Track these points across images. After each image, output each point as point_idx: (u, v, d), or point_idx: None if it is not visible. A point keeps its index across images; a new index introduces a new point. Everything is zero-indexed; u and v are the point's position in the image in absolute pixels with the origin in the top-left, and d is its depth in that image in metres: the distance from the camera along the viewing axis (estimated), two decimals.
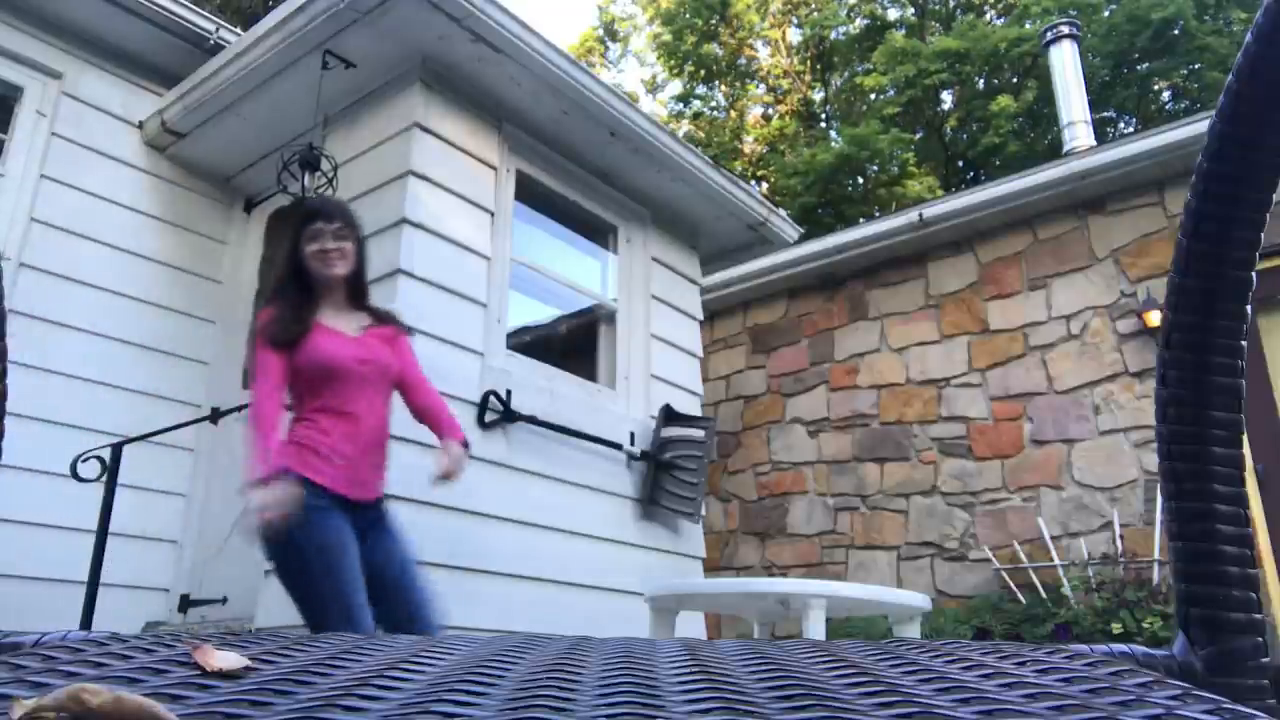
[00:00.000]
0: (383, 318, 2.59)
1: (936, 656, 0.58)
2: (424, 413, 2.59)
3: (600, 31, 21.14)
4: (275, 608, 3.48)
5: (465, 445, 2.50)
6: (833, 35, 17.58)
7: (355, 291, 2.53)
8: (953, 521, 5.75)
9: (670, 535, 4.63)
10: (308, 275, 2.44)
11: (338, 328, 2.43)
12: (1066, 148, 7.42)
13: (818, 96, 18.51)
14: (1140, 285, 5.35)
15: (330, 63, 3.80)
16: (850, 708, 0.42)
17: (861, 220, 12.30)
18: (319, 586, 2.15)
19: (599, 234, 4.93)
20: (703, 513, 4.87)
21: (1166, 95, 14.57)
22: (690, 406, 5.02)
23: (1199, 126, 5.06)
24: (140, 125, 4.41)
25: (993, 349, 5.88)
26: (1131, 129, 14.29)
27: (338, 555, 2.17)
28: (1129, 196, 5.53)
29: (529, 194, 4.46)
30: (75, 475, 3.24)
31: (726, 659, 0.58)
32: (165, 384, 4.27)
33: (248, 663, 0.51)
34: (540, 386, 4.14)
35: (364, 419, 2.36)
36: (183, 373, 4.37)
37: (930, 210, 6.13)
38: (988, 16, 16.47)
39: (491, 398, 3.82)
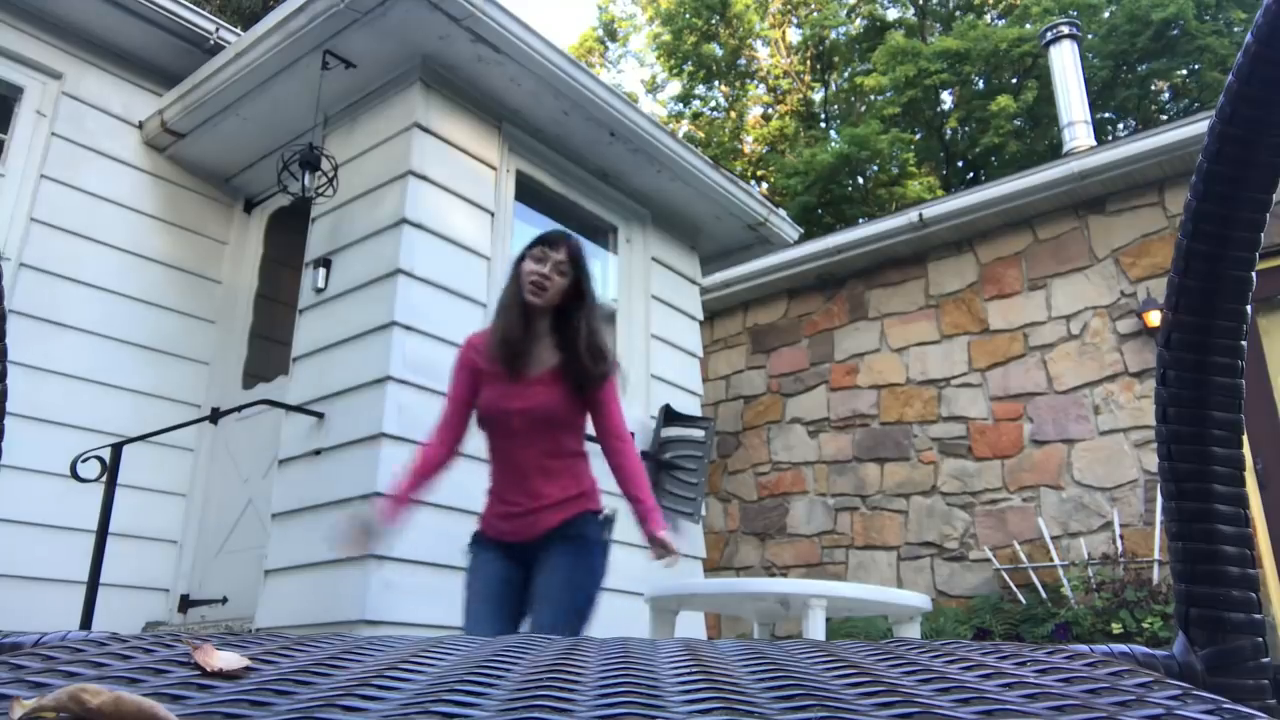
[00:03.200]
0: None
1: (936, 656, 0.58)
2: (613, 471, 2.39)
3: (600, 32, 21.14)
4: (275, 608, 3.48)
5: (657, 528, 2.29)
6: (833, 35, 17.58)
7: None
8: (953, 521, 5.75)
9: (670, 535, 4.62)
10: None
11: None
12: (1066, 148, 7.42)
13: (817, 96, 18.51)
14: (1140, 285, 5.36)
15: (330, 63, 3.80)
16: (850, 708, 0.42)
17: (861, 220, 12.30)
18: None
19: (599, 234, 4.93)
20: (703, 513, 4.87)
21: (1166, 95, 14.57)
22: (690, 406, 5.02)
23: (1199, 126, 5.06)
24: (140, 125, 4.41)
25: (993, 349, 5.88)
26: (1131, 129, 14.29)
27: (467, 593, 2.30)
28: (1129, 196, 5.53)
29: (529, 194, 4.46)
30: (75, 475, 3.25)
31: (726, 659, 0.58)
32: (165, 384, 4.27)
33: (248, 663, 0.51)
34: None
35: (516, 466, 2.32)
36: (183, 373, 4.37)
37: (930, 210, 6.13)
38: (988, 17, 16.47)
39: None
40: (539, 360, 2.29)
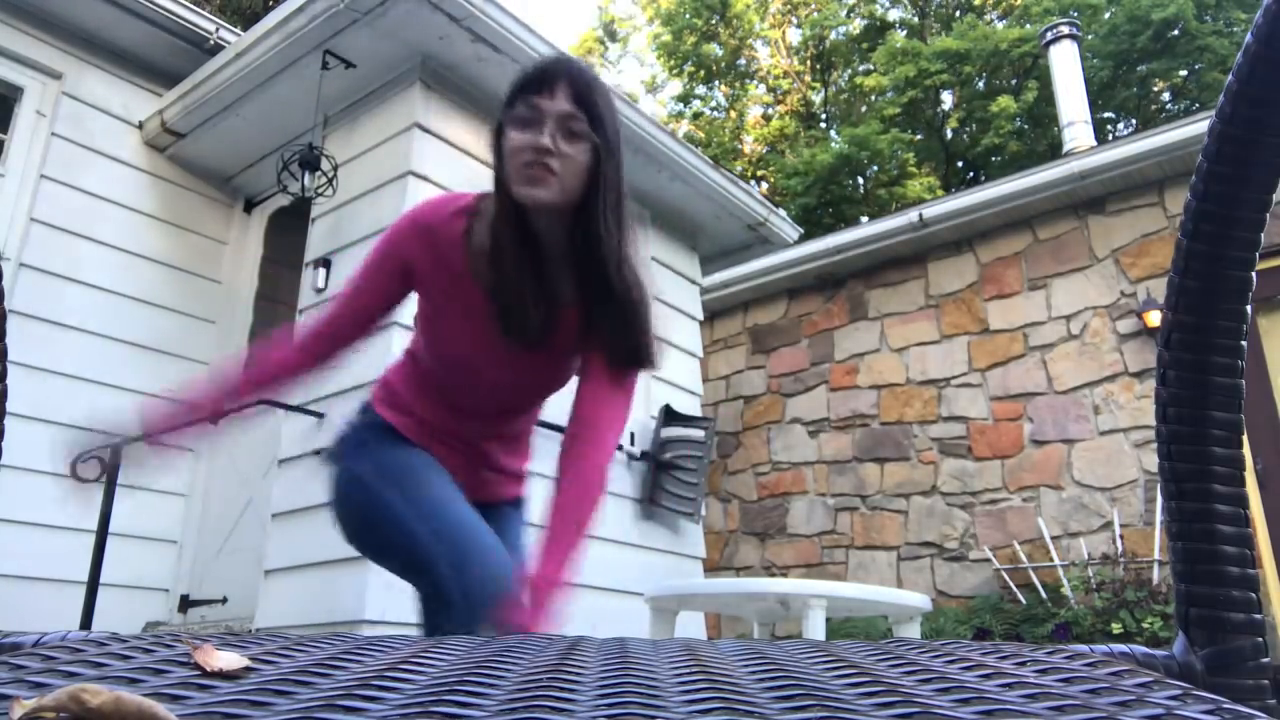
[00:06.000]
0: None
1: (936, 656, 0.58)
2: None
3: (600, 32, 21.15)
4: (275, 608, 3.48)
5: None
6: (833, 35, 17.58)
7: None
8: (953, 521, 5.75)
9: (670, 535, 4.62)
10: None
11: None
12: (1066, 148, 7.42)
13: (818, 97, 18.51)
14: (1140, 285, 5.35)
15: (330, 63, 3.80)
16: (850, 708, 0.42)
17: (861, 220, 12.30)
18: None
19: None
20: (703, 513, 4.87)
21: (1166, 95, 14.58)
22: (690, 406, 5.02)
23: (1199, 126, 5.06)
24: (140, 125, 4.41)
25: (993, 349, 5.88)
26: (1131, 129, 14.29)
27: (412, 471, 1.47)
28: (1129, 196, 5.53)
29: None
30: (75, 475, 3.24)
31: (726, 659, 0.58)
32: (165, 384, 4.27)
33: (248, 663, 0.51)
34: None
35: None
36: (182, 373, 4.36)
37: (930, 210, 6.13)
38: (988, 17, 16.47)
39: None
40: (552, 300, 1.37)
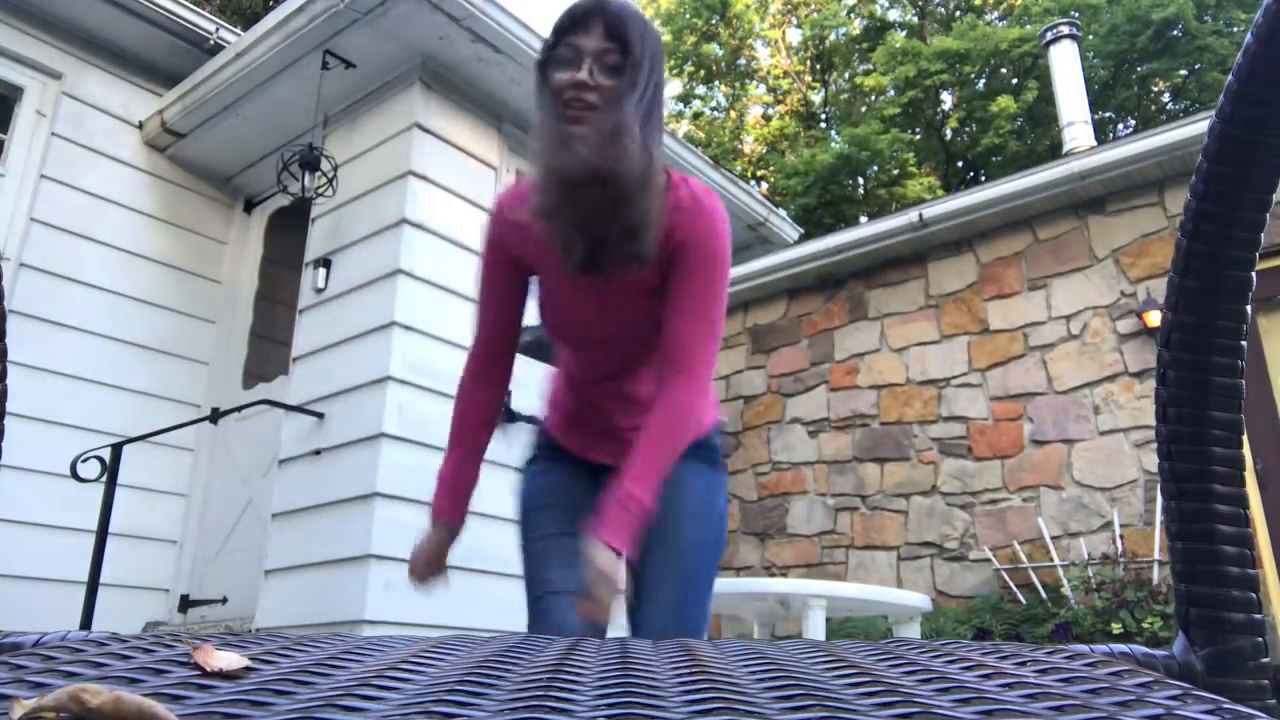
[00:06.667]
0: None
1: (936, 656, 0.58)
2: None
3: None
4: (275, 608, 3.48)
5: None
6: (833, 35, 17.59)
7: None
8: (953, 521, 5.75)
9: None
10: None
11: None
12: (1066, 148, 7.42)
13: (817, 97, 18.51)
14: (1140, 285, 5.35)
15: (330, 63, 3.81)
16: (850, 708, 0.42)
17: (861, 220, 12.31)
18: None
19: None
20: None
21: (1166, 95, 14.58)
22: None
23: (1199, 126, 5.06)
24: (140, 125, 4.41)
25: (993, 349, 5.87)
26: (1131, 129, 14.30)
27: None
28: (1129, 196, 5.53)
29: None
30: (75, 475, 3.24)
31: (726, 659, 0.58)
32: (165, 384, 4.28)
33: (248, 663, 0.51)
34: (540, 387, 4.14)
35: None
36: (183, 373, 4.37)
37: (930, 210, 6.13)
38: (988, 17, 16.48)
39: None
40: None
